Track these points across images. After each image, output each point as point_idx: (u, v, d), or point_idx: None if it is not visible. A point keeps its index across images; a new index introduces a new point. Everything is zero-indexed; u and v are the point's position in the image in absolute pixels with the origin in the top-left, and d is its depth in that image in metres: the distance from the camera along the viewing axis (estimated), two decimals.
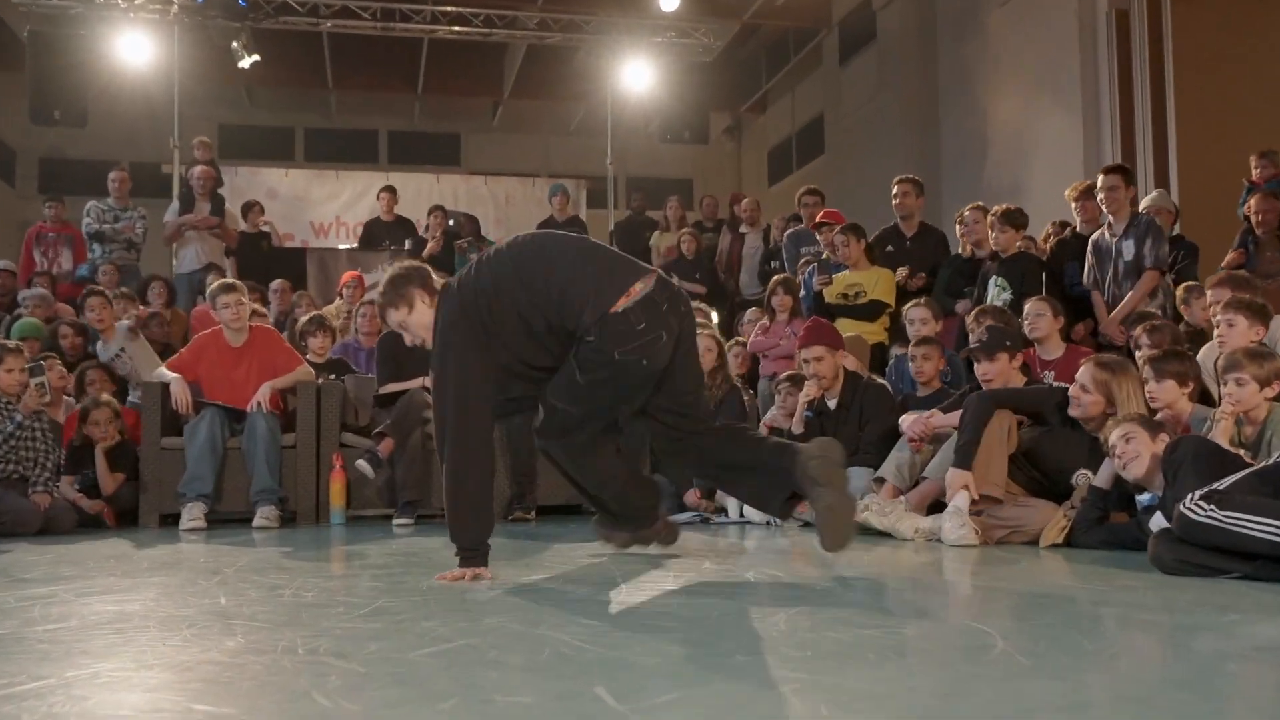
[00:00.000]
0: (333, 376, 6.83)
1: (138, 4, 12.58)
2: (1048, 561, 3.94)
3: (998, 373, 5.11)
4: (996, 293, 6.67)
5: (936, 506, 4.81)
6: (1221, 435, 3.91)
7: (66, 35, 12.68)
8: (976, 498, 4.46)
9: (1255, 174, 8.44)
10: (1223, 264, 7.26)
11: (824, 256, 8.09)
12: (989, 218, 6.95)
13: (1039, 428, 4.76)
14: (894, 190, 7.79)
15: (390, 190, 11.53)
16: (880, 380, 6.02)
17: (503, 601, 2.98)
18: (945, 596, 3.24)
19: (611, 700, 1.79)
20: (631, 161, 16.99)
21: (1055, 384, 5.26)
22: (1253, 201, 7.47)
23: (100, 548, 4.92)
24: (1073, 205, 7.39)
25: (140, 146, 15.86)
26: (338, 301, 9.32)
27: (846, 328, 7.16)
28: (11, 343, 6.31)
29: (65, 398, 6.80)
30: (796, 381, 6.00)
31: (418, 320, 3.78)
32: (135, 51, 12.60)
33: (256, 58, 13.12)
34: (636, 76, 13.85)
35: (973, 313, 6.08)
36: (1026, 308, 5.81)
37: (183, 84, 13.08)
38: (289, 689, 2.00)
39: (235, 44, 12.94)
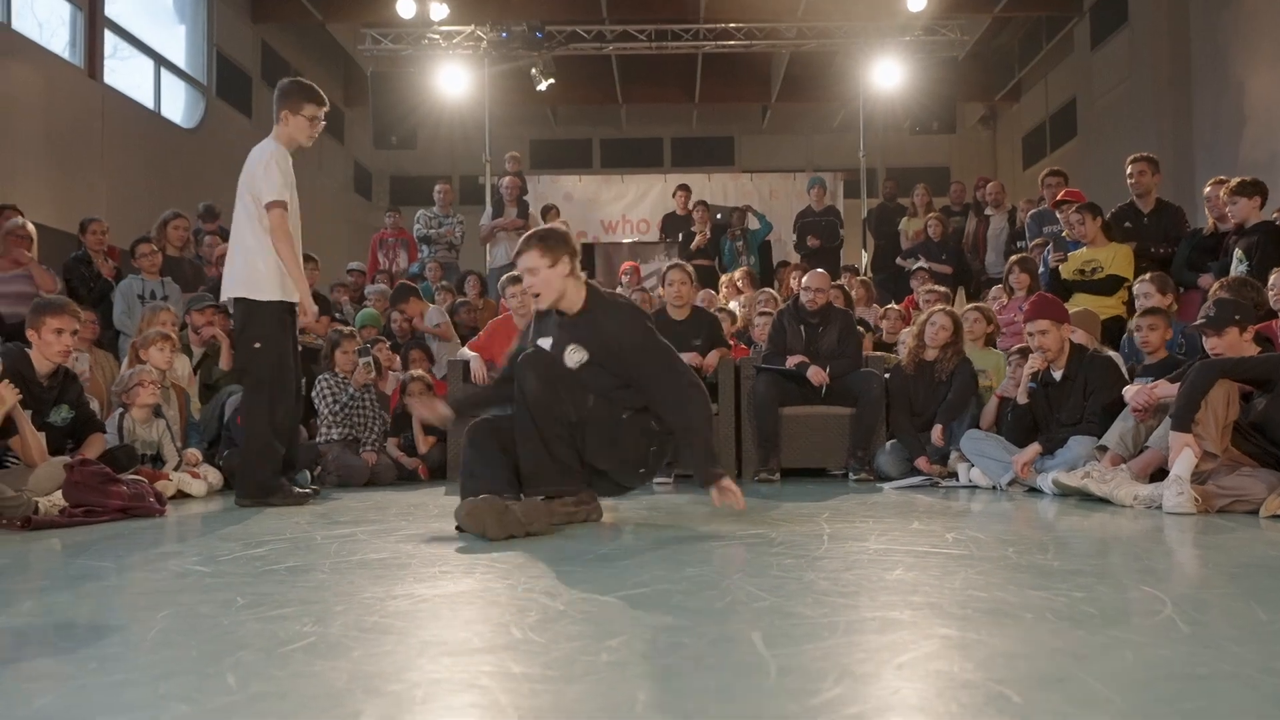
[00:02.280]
0: None
1: (455, 43, 13.34)
2: (1266, 532, 3.52)
3: (1227, 346, 4.60)
4: (1237, 264, 6.04)
5: (1160, 476, 4.41)
6: None
7: (400, 73, 13.64)
8: (1199, 455, 4.06)
9: None
10: None
11: (1062, 234, 7.59)
12: (1223, 191, 6.29)
13: (1269, 397, 4.27)
14: (1129, 169, 7.18)
15: (685, 188, 11.78)
16: (1109, 352, 5.57)
17: (712, 552, 2.97)
18: (1135, 562, 2.95)
19: (761, 646, 1.75)
20: (888, 153, 16.50)
21: None
22: None
23: (408, 497, 5.27)
24: None
25: (460, 162, 16.82)
26: (618, 288, 9.55)
27: (1083, 302, 6.70)
28: (346, 329, 6.85)
29: (390, 372, 7.29)
30: (1024, 354, 5.66)
31: (552, 276, 3.80)
32: (453, 83, 13.37)
33: (552, 80, 13.64)
34: (888, 75, 13.41)
35: (1214, 285, 5.53)
36: (1271, 279, 5.24)
37: (491, 108, 13.76)
38: (495, 621, 2.07)
39: (534, 70, 13.51)
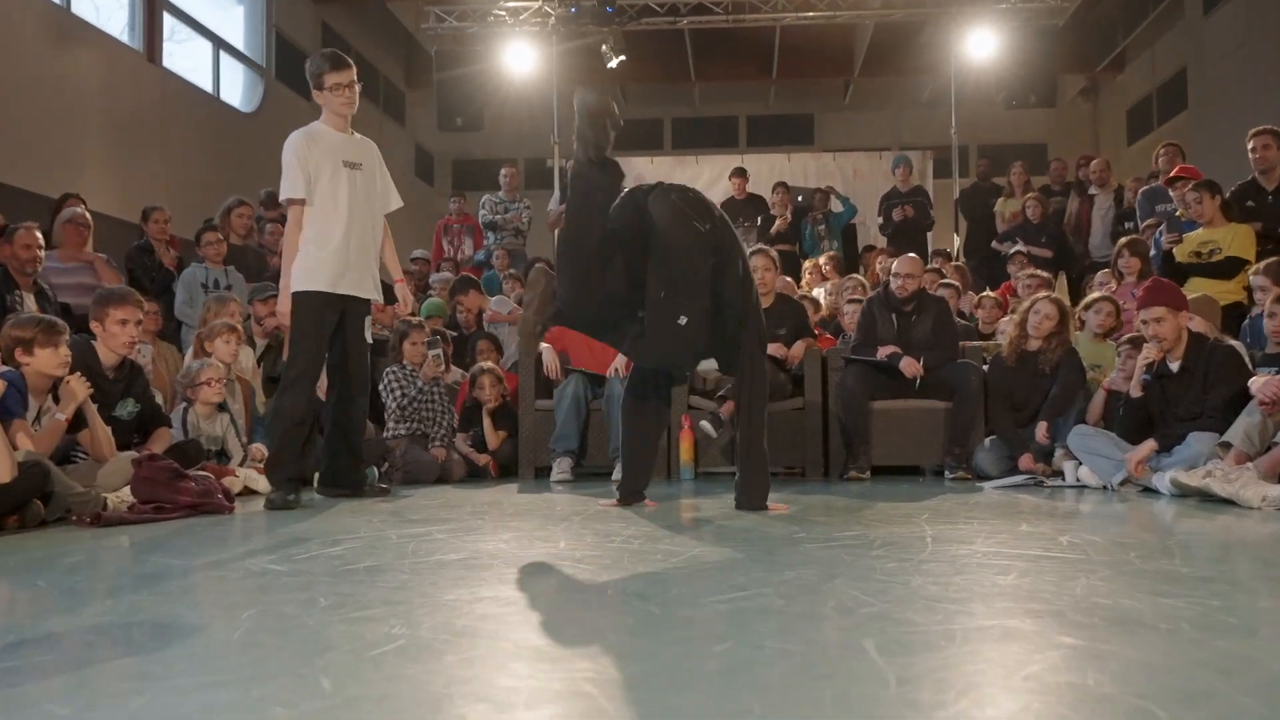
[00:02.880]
0: None
1: (521, 19, 13.40)
2: None
3: None
4: None
5: None
6: None
7: (465, 52, 13.75)
8: None
9: None
10: None
11: (1176, 214, 7.40)
12: None
13: None
14: (1250, 144, 6.95)
15: (741, 172, 11.53)
16: (1231, 341, 5.41)
17: (809, 555, 2.95)
18: (1271, 569, 2.86)
19: (876, 655, 1.73)
20: (981, 130, 16.22)
21: None
22: None
23: (480, 495, 5.32)
24: None
25: (527, 144, 16.90)
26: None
27: (1199, 287, 6.54)
28: (415, 320, 6.92)
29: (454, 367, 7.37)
30: (1136, 344, 5.53)
31: None
32: (520, 61, 13.44)
33: (623, 58, 13.64)
34: (981, 45, 13.17)
35: None
36: None
37: (560, 87, 13.79)
38: (589, 626, 2.08)
39: (604, 47, 13.51)
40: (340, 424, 5.06)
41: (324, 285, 4.83)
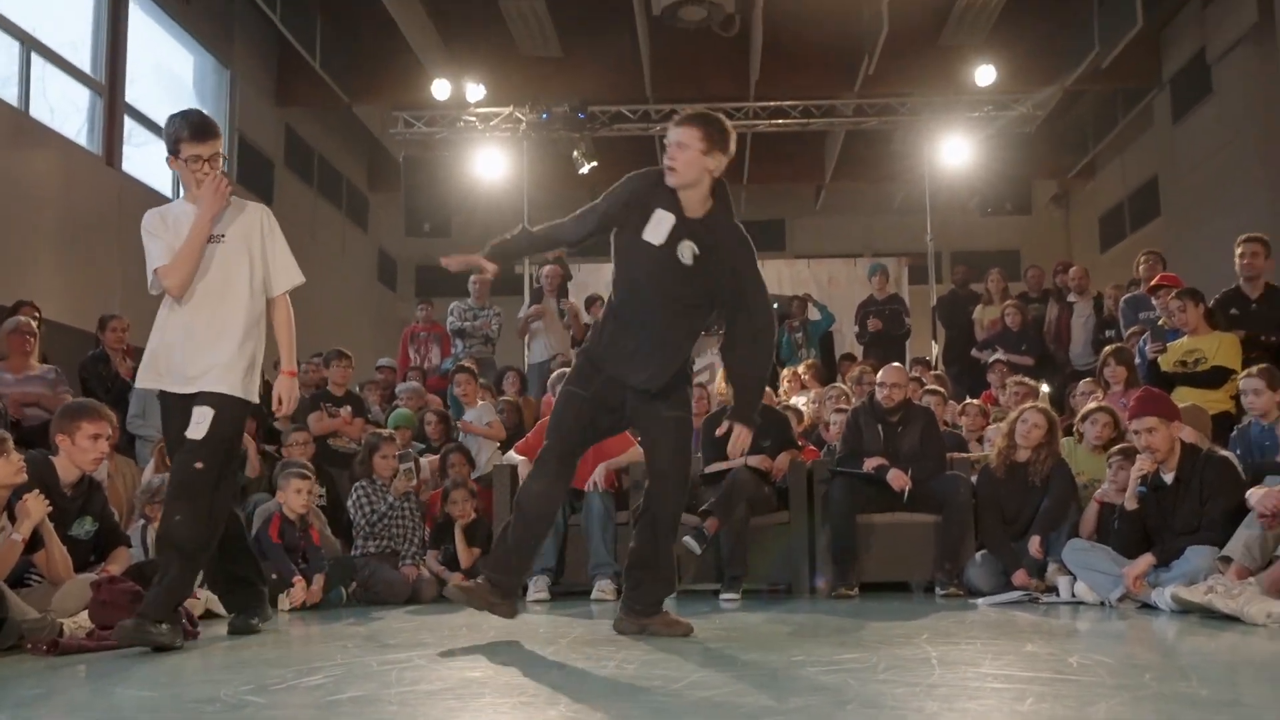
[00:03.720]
0: None
1: (492, 125, 13.69)
2: None
3: None
4: None
5: None
6: None
7: (434, 157, 13.98)
8: None
9: None
10: None
11: (1159, 322, 7.57)
12: None
13: None
14: (1239, 250, 7.14)
15: None
16: (1224, 452, 5.48)
17: (814, 680, 2.93)
18: None
19: None
20: (954, 236, 16.58)
21: None
22: None
23: (456, 617, 5.22)
24: None
25: None
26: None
27: (1186, 396, 6.63)
28: (386, 432, 6.91)
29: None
30: (1128, 454, 5.59)
31: (699, 161, 4.02)
32: (490, 167, 13.70)
33: (595, 164, 13.91)
34: (954, 152, 13.59)
35: None
36: None
37: (531, 192, 14.03)
38: None
39: (576, 153, 13.80)
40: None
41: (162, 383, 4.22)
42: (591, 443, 4.55)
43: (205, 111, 4.61)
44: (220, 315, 4.17)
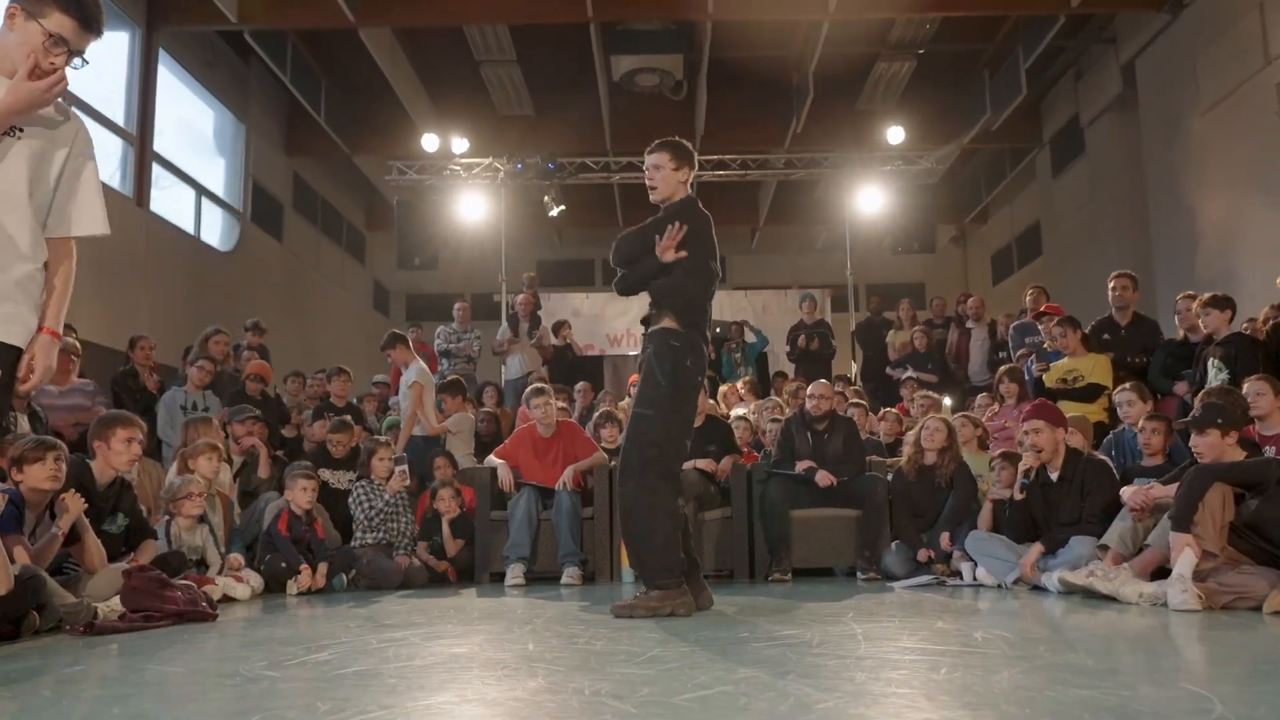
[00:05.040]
0: None
1: (474, 173, 13.63)
2: (1273, 628, 3.47)
3: (1208, 446, 4.59)
4: (1214, 373, 6.08)
5: (1160, 574, 4.36)
6: None
7: (423, 201, 13.90)
8: (1200, 555, 4.03)
9: None
10: None
11: (1044, 345, 7.66)
12: (1195, 304, 6.39)
13: (1261, 499, 4.25)
14: (1111, 284, 7.26)
15: None
16: (1101, 456, 5.56)
17: (758, 653, 2.92)
18: (1167, 660, 2.90)
19: None
20: (870, 271, 16.73)
21: (1276, 457, 4.71)
22: None
23: (444, 600, 5.17)
24: None
25: (476, 281, 17.00)
26: (626, 399, 9.55)
27: (1067, 409, 6.69)
28: (382, 438, 6.81)
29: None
30: (1009, 457, 5.70)
31: (672, 178, 4.27)
32: (472, 209, 13.64)
33: (563, 208, 13.90)
34: (870, 199, 13.75)
35: (1199, 394, 5.55)
36: (1246, 386, 5.25)
37: (507, 232, 13.98)
38: None
39: (546, 198, 13.78)
40: None
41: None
42: None
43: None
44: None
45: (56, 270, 2.89)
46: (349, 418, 7.67)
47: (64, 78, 2.69)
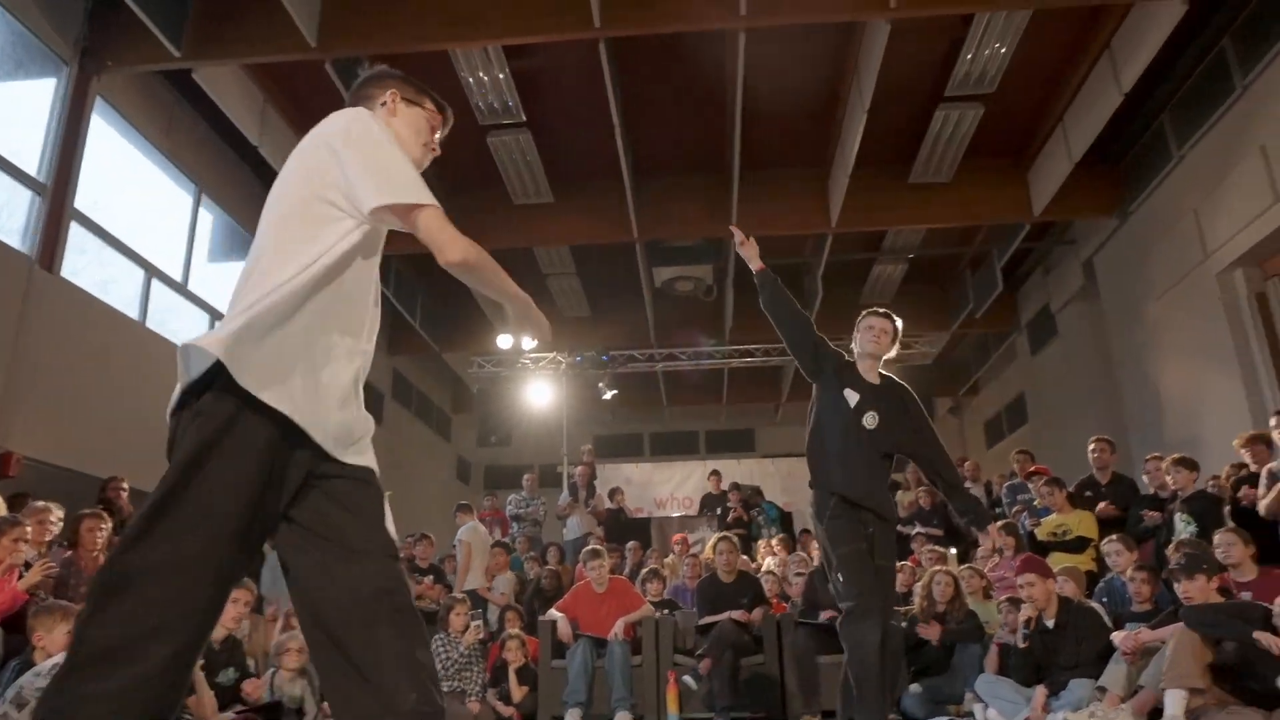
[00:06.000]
0: (666, 612, 6.79)
1: (540, 365, 13.96)
2: None
3: (1197, 590, 4.39)
4: (1183, 526, 5.85)
5: (1156, 713, 4.08)
6: None
7: (499, 388, 14.22)
8: (1187, 692, 3.77)
9: None
10: None
11: (1034, 503, 7.45)
12: (1164, 464, 6.22)
13: (1235, 644, 4.00)
14: (1091, 447, 7.11)
15: (716, 474, 11.73)
16: (1091, 603, 5.30)
17: None
18: None
19: None
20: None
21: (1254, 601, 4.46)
22: None
23: None
24: (1243, 452, 6.47)
25: (542, 454, 17.09)
26: (670, 556, 9.38)
27: (1059, 560, 6.47)
28: (460, 596, 6.72)
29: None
30: (1014, 602, 5.45)
31: (890, 345, 4.28)
32: (539, 395, 13.90)
33: (615, 391, 14.10)
34: None
35: (1173, 544, 5.33)
36: (1216, 538, 5.03)
37: (568, 413, 14.16)
38: None
39: (601, 384, 14.00)
40: None
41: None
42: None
43: None
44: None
45: None
46: (431, 578, 7.62)
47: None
